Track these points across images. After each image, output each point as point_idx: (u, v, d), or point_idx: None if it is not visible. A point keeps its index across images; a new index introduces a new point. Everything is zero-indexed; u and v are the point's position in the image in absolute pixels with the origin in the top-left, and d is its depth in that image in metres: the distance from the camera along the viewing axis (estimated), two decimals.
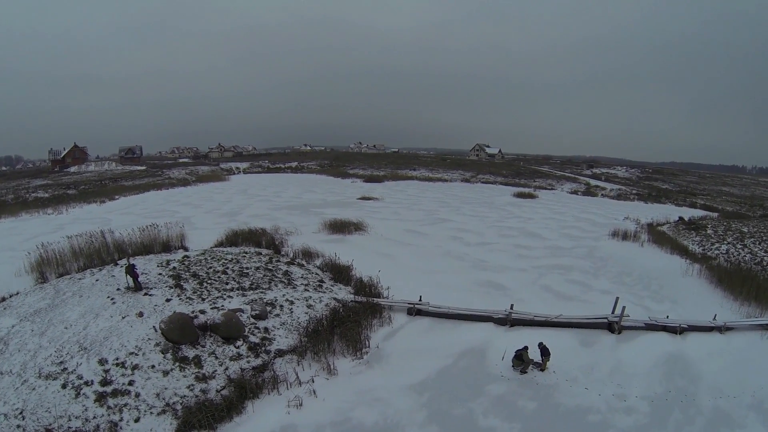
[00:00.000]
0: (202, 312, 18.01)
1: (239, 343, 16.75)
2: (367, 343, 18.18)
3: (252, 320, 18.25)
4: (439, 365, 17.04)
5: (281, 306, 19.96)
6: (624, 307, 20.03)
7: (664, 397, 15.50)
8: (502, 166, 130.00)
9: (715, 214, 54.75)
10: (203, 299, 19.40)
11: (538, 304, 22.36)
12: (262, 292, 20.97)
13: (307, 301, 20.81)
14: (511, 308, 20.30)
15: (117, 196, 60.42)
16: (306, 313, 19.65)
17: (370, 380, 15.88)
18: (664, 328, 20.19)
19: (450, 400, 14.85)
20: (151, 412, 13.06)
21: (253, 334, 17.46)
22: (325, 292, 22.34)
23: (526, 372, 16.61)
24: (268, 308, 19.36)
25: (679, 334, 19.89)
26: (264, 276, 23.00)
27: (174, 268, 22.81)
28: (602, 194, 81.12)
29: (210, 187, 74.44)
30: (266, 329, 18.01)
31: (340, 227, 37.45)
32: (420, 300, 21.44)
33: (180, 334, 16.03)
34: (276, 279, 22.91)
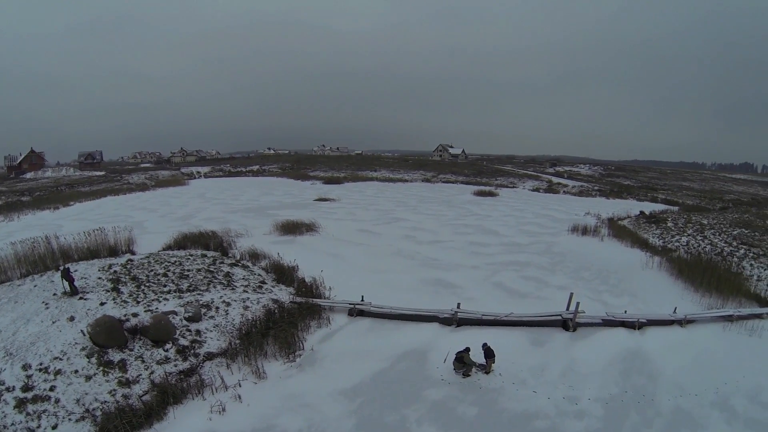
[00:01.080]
0: (135, 315, 17.68)
1: (168, 346, 16.52)
2: (301, 345, 17.86)
3: (185, 322, 18.00)
4: (376, 369, 16.51)
5: (217, 308, 19.71)
6: (578, 303, 19.55)
7: (620, 398, 14.90)
8: (464, 166, 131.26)
9: (676, 208, 56.17)
10: (138, 302, 19.09)
11: (490, 303, 21.97)
12: (199, 294, 20.73)
13: (244, 302, 20.60)
14: (458, 307, 19.99)
15: (72, 202, 58.97)
16: (242, 314, 19.44)
17: (299, 385, 15.42)
18: (622, 324, 19.75)
19: (383, 406, 14.27)
20: (70, 419, 12.91)
21: (184, 337, 17.23)
22: (264, 294, 22.15)
23: (469, 375, 15.96)
24: (203, 310, 19.15)
25: (638, 329, 19.50)
26: (204, 278, 22.75)
27: (115, 271, 22.38)
28: (564, 191, 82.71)
29: (168, 192, 73.17)
30: (198, 332, 17.75)
31: (291, 228, 37.29)
32: (362, 300, 21.27)
33: (107, 338, 15.79)
34: (216, 281, 22.68)
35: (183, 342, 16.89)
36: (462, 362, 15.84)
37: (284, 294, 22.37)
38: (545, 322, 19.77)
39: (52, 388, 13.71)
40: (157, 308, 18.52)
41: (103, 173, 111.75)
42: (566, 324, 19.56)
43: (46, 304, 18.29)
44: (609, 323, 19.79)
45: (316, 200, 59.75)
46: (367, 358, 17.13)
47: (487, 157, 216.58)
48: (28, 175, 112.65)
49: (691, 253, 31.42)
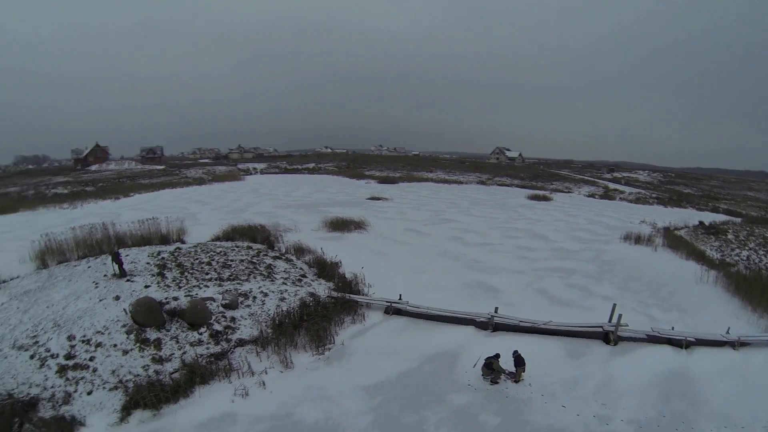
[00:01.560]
0: (175, 299, 18.42)
1: (203, 329, 17.08)
2: (332, 339, 17.80)
3: (221, 309, 18.49)
4: (402, 368, 16.08)
5: (254, 297, 20.03)
6: (620, 315, 18.02)
7: (657, 422, 13.42)
8: (520, 170, 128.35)
9: (738, 219, 51.67)
10: (180, 287, 19.81)
11: (530, 309, 20.93)
12: (239, 283, 21.14)
13: (281, 294, 20.77)
14: (496, 311, 19.09)
15: (132, 194, 62.00)
16: (278, 305, 19.62)
17: (324, 377, 15.40)
18: (669, 341, 17.90)
19: (403, 406, 13.90)
20: (104, 387, 13.81)
21: (219, 323, 17.69)
22: (302, 287, 22.21)
23: (497, 382, 15.17)
24: (241, 299, 19.53)
25: (685, 348, 17.64)
26: (246, 268, 23.14)
27: (163, 258, 23.36)
28: (620, 198, 79.69)
29: (224, 186, 75.19)
30: (233, 318, 18.16)
31: (340, 225, 37.28)
32: (400, 299, 20.86)
33: (146, 317, 16.59)
34: (257, 272, 23.00)
35: (217, 327, 17.37)
36: (491, 369, 15.11)
37: (323, 288, 22.37)
38: (585, 333, 18.45)
39: (91, 359, 14.71)
40: (196, 294, 19.15)
41: (162, 167, 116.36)
42: (607, 337, 18.14)
43: (96, 283, 19.48)
44: (654, 339, 18.03)
45: (368, 199, 59.62)
46: (395, 356, 16.78)
47: (544, 161, 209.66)
48: (93, 168, 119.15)
49: (752, 268, 28.87)
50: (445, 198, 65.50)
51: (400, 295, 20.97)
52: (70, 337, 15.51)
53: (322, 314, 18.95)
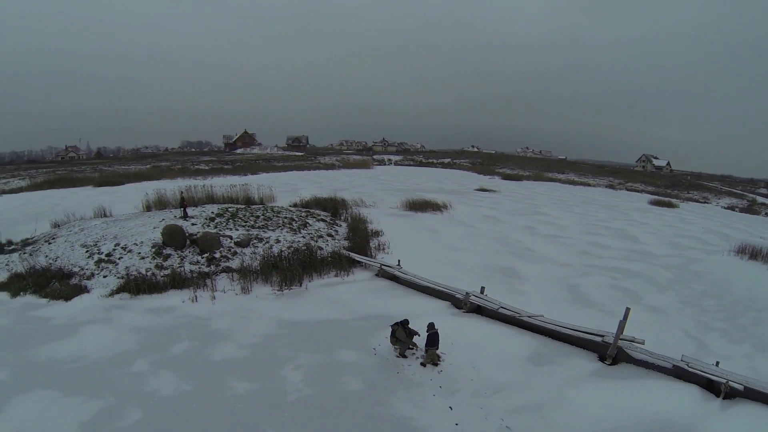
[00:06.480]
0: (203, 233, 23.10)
1: (206, 255, 21.50)
2: (299, 283, 20.16)
3: (232, 244, 22.54)
4: (329, 317, 16.92)
5: (267, 242, 23.63)
6: (623, 323, 13.43)
7: None
8: (661, 178, 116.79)
9: None
10: (217, 227, 24.58)
11: (539, 302, 18.66)
12: (263, 231, 25.05)
13: (291, 243, 23.80)
14: (481, 291, 17.67)
15: (260, 172, 70.08)
16: (281, 251, 22.70)
17: (262, 305, 17.75)
18: (709, 384, 12.17)
19: (291, 343, 14.71)
20: (115, 276, 19.39)
21: (221, 253, 21.86)
22: (318, 242, 24.70)
23: (404, 356, 13.66)
24: (255, 241, 23.38)
25: (723, 397, 11.81)
26: (281, 223, 26.73)
27: (227, 210, 28.36)
28: (766, 212, 66.57)
29: (348, 172, 79.73)
30: (235, 252, 22.10)
31: (417, 206, 38.40)
32: (398, 264, 21.58)
33: (169, 239, 21.69)
34: (288, 226, 26.37)
35: (216, 255, 21.68)
36: (395, 337, 13.59)
37: (336, 246, 24.50)
38: (578, 341, 14.65)
39: (119, 258, 20.53)
40: (224, 233, 23.62)
41: (302, 154, 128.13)
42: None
43: (163, 219, 25.31)
44: (681, 374, 12.63)
45: (476, 190, 59.08)
46: (338, 308, 17.72)
47: (697, 174, 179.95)
48: (238, 151, 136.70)
49: None
50: (557, 195, 61.72)
51: (399, 261, 21.64)
52: (116, 245, 21.58)
53: (303, 262, 21.48)
